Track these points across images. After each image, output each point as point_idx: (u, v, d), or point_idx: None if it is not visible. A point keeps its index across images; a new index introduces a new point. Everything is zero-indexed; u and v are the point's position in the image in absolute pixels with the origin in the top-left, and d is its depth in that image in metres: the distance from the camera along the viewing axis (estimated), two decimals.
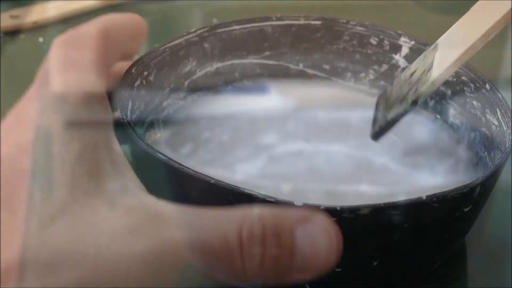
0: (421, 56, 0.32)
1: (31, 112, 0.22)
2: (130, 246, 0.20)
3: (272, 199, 0.24)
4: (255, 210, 0.23)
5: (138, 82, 0.32)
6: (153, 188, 0.24)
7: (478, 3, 0.31)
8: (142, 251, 0.20)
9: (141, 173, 0.25)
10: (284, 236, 0.22)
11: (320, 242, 0.22)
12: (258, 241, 0.22)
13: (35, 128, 0.21)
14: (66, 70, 0.24)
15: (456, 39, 0.31)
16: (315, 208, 0.24)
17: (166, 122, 0.35)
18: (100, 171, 0.22)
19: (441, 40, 0.32)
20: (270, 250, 0.22)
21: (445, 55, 0.31)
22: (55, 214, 0.20)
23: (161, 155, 0.26)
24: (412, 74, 0.32)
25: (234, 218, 0.22)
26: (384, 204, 0.24)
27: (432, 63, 0.31)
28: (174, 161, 0.26)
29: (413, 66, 0.32)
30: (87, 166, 0.21)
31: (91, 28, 0.26)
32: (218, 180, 0.25)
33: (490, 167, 0.27)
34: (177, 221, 0.21)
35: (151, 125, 0.34)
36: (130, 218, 0.21)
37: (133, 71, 0.31)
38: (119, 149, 0.23)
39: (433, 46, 0.32)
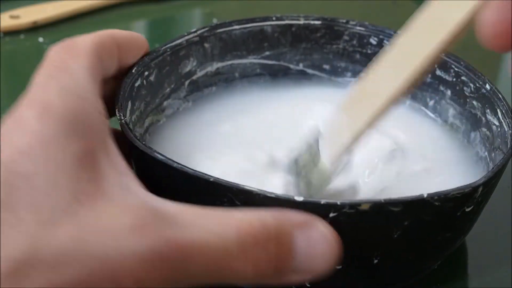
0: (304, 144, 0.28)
1: (29, 117, 0.22)
2: (133, 245, 0.20)
3: (272, 195, 0.24)
4: (255, 213, 0.23)
5: (138, 82, 0.32)
6: (153, 189, 0.24)
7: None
8: (145, 251, 0.20)
9: (140, 173, 0.25)
10: (283, 239, 0.23)
11: (318, 246, 0.23)
12: (257, 243, 0.22)
13: (34, 133, 0.22)
14: (61, 75, 0.25)
15: (341, 124, 0.27)
16: (316, 203, 0.24)
17: (167, 121, 0.35)
18: (100, 174, 0.22)
19: (325, 126, 0.28)
20: (269, 252, 0.22)
21: (333, 142, 0.27)
22: (58, 216, 0.20)
23: (158, 155, 0.26)
24: (298, 162, 0.28)
25: (234, 219, 0.22)
26: (384, 200, 0.24)
27: (317, 152, 0.28)
28: (172, 160, 0.26)
29: (300, 153, 0.28)
30: (87, 170, 0.22)
31: (86, 39, 0.27)
32: (217, 178, 0.25)
33: (492, 168, 0.27)
34: (178, 221, 0.22)
35: (152, 125, 0.34)
36: (133, 218, 0.21)
37: (133, 71, 0.31)
38: (118, 153, 0.24)
39: (314, 132, 0.28)
